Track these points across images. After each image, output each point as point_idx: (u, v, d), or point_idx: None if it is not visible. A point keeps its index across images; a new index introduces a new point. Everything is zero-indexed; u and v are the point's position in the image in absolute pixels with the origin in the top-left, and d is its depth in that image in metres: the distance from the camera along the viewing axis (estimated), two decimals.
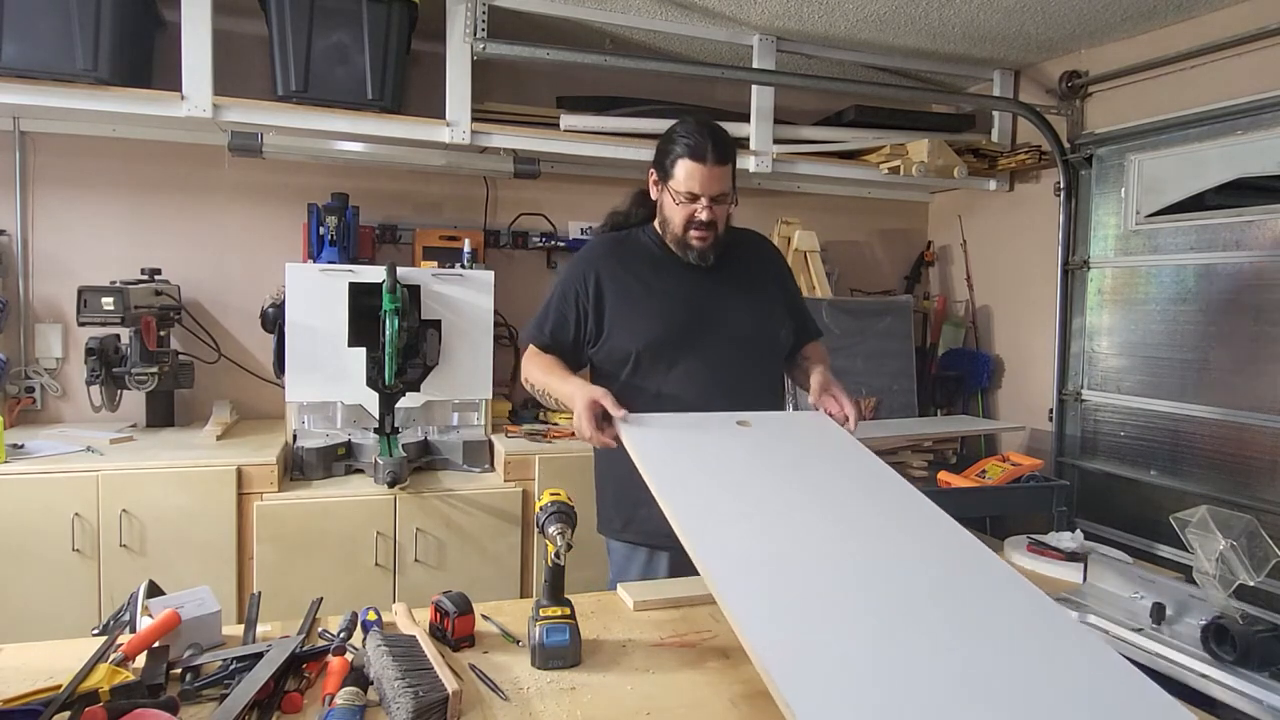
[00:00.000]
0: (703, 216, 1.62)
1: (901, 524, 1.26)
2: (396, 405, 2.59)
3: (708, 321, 1.67)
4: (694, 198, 1.61)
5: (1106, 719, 0.90)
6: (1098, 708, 0.91)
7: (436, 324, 2.65)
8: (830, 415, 1.59)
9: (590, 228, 3.28)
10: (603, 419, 1.44)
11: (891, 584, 1.09)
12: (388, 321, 2.41)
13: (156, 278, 2.68)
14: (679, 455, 1.34)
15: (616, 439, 1.42)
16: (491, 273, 2.76)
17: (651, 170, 1.70)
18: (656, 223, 1.73)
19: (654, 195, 1.71)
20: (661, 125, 2.08)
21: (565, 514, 1.23)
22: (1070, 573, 1.91)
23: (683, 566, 1.53)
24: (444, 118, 2.63)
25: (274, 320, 2.58)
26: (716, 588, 1.02)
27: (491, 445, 2.72)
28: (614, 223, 1.82)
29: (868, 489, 1.35)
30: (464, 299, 2.70)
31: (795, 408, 2.32)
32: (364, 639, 1.14)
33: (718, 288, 1.70)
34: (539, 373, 1.66)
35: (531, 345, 1.72)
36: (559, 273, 1.77)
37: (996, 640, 1.01)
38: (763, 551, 1.12)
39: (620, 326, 1.66)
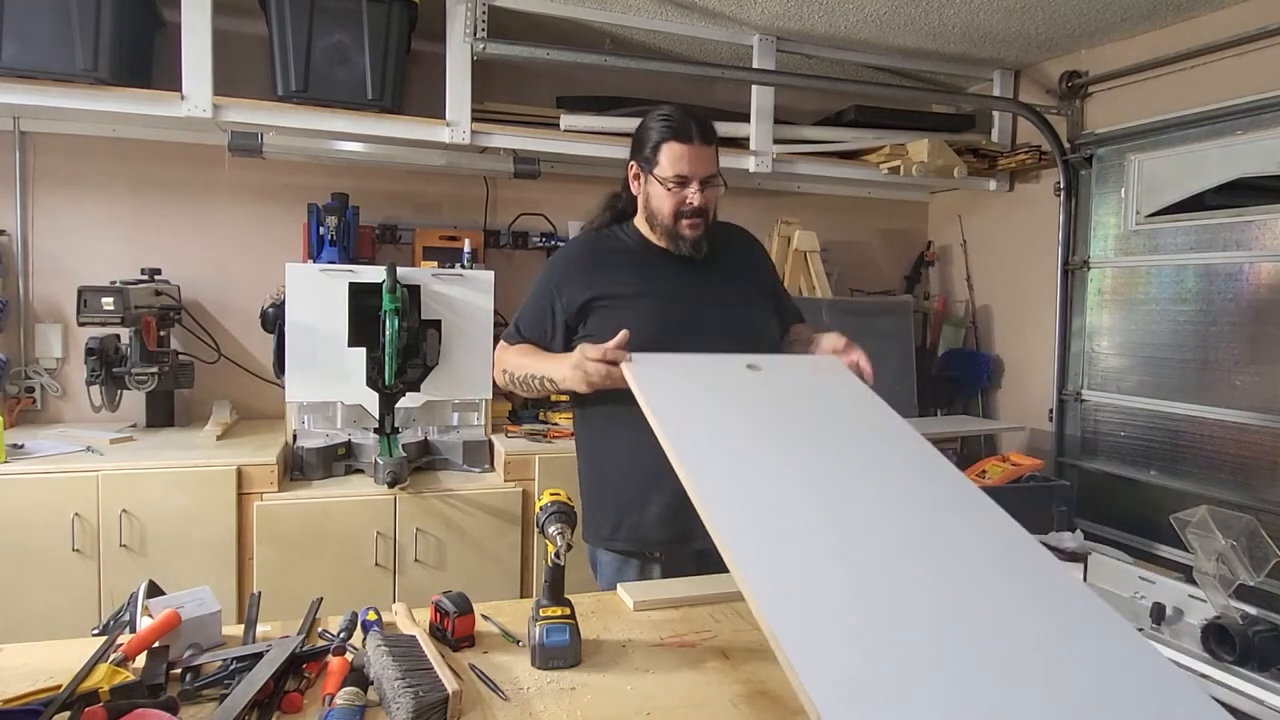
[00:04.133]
0: (694, 201, 1.53)
1: (919, 480, 1.24)
2: (396, 405, 2.60)
3: (699, 317, 1.58)
4: (684, 182, 1.53)
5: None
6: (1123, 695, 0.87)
7: (436, 324, 2.65)
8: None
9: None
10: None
11: (908, 544, 1.06)
12: (388, 321, 2.41)
13: (156, 278, 2.68)
14: (685, 397, 1.28)
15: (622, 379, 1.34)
16: (491, 273, 2.76)
17: (631, 164, 1.62)
18: (639, 219, 1.64)
19: (635, 189, 1.62)
20: None
21: (565, 514, 1.23)
22: (1070, 573, 1.90)
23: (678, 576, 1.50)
24: (444, 118, 2.63)
25: (274, 320, 2.58)
26: (719, 534, 0.99)
27: (491, 445, 2.72)
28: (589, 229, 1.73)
29: (886, 442, 1.29)
30: (464, 299, 2.70)
31: None
32: (364, 639, 1.13)
33: (706, 281, 1.61)
34: (516, 357, 1.60)
35: (503, 341, 1.68)
36: (539, 273, 1.72)
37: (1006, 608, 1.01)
38: (771, 502, 1.08)
39: (609, 330, 1.47)
